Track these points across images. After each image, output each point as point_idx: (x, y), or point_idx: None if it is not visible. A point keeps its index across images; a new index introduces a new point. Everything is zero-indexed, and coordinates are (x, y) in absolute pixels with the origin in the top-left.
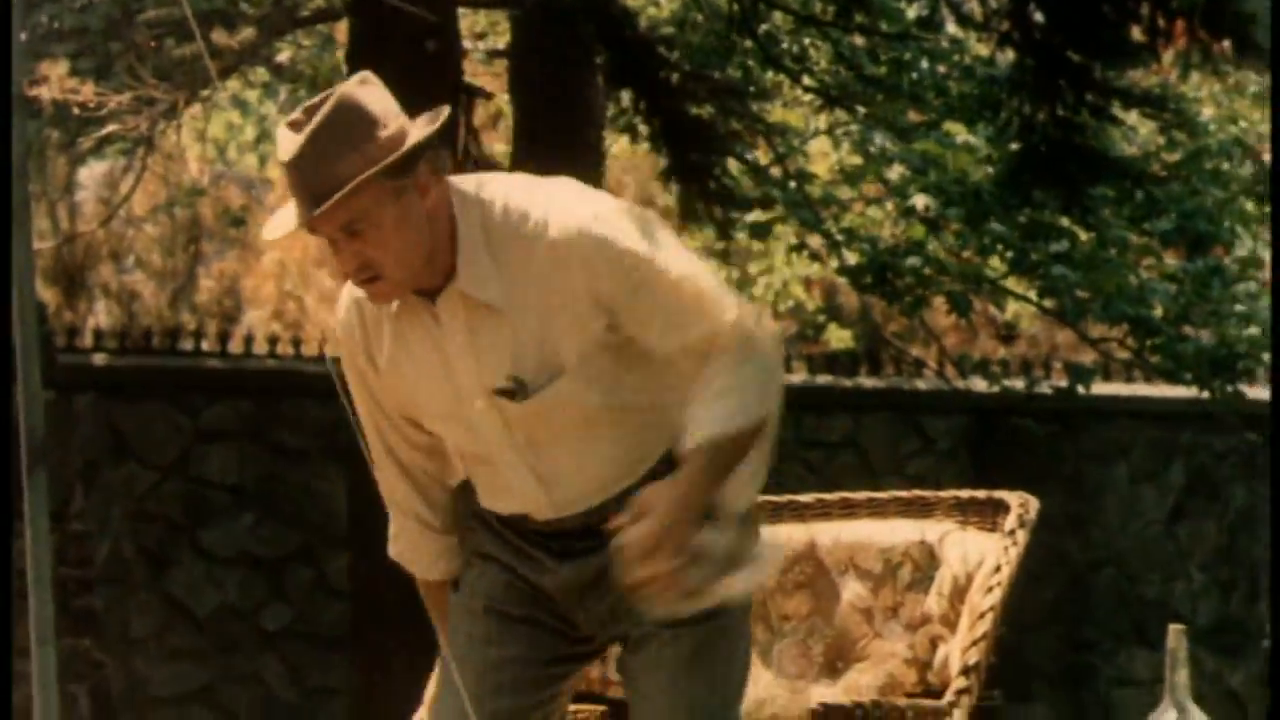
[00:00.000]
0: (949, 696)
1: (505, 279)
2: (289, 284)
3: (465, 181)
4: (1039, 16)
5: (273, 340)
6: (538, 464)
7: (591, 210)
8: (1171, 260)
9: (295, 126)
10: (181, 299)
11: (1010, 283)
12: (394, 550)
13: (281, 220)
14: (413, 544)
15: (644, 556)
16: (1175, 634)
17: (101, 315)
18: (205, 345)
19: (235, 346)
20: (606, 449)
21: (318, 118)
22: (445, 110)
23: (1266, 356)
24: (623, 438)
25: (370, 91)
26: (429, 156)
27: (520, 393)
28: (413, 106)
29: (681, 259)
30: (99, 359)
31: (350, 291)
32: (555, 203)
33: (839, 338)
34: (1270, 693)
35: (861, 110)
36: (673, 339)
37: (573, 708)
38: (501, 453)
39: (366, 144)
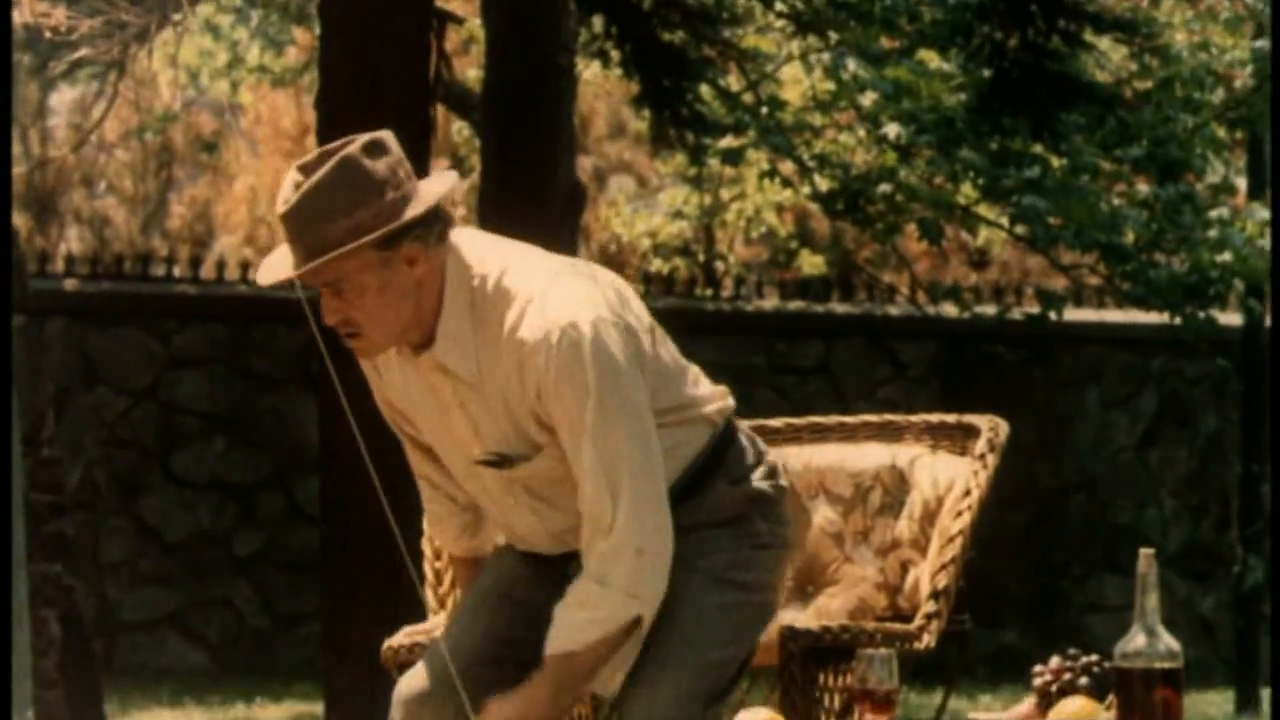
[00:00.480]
0: (918, 620)
1: (483, 355)
2: (261, 209)
3: (469, 245)
4: None
5: (245, 266)
6: (537, 507)
7: (574, 321)
8: (1143, 187)
9: (303, 171)
10: (153, 224)
11: (982, 209)
12: (427, 523)
13: (273, 265)
14: (438, 518)
15: None
16: (1145, 558)
17: (73, 241)
18: (177, 271)
19: (207, 272)
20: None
21: (318, 175)
22: (452, 179)
23: (1238, 282)
24: None
25: (377, 157)
26: (420, 233)
27: (505, 463)
28: (385, 34)
29: (626, 429)
30: (70, 284)
31: None
32: (545, 299)
33: (811, 263)
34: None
35: (833, 36)
36: (580, 493)
37: None
38: (503, 498)
39: (359, 210)
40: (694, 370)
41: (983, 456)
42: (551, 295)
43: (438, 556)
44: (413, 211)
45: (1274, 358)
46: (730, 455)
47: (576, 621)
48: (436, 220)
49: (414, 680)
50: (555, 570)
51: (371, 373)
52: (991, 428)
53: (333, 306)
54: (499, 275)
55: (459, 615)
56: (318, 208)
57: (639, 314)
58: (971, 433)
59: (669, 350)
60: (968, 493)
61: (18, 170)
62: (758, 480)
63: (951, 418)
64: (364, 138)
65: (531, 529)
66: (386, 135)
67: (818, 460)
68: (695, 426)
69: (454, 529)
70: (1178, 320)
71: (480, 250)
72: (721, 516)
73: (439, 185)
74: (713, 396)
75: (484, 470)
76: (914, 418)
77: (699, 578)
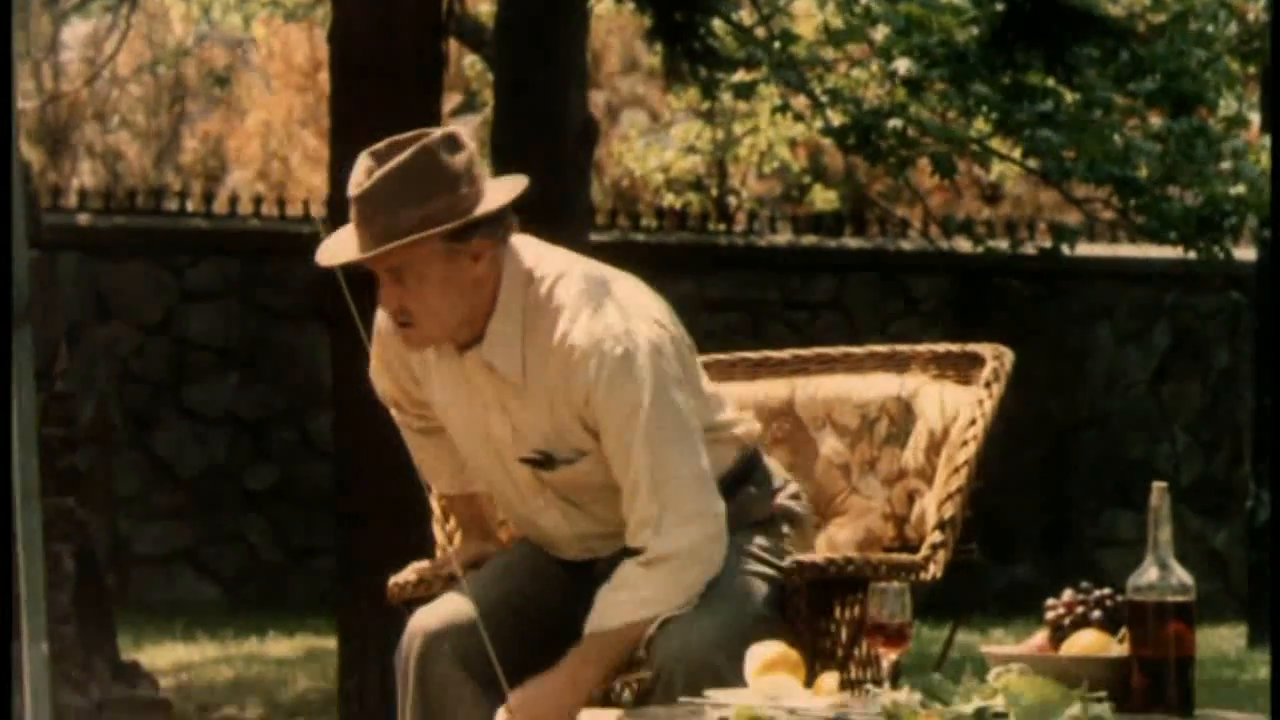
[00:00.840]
0: (924, 550)
1: (531, 358)
2: (274, 144)
3: (526, 250)
4: None
5: (257, 200)
6: (568, 510)
7: (628, 330)
8: (1156, 120)
9: (375, 158)
10: (166, 159)
11: (995, 143)
12: (419, 466)
13: (336, 248)
14: (430, 467)
15: None
16: (1158, 491)
17: (86, 175)
18: (190, 205)
19: (220, 207)
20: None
21: (394, 162)
22: (521, 184)
23: (1251, 216)
24: None
25: (454, 152)
26: (487, 231)
27: (548, 464)
28: None
29: (676, 437)
30: (83, 219)
31: None
32: (599, 308)
33: (824, 198)
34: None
35: None
36: (627, 499)
37: None
38: (533, 499)
39: (432, 202)
40: (721, 392)
41: (988, 385)
42: (605, 305)
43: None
44: (484, 208)
45: (1274, 293)
46: (757, 474)
47: (620, 602)
48: (503, 220)
49: (434, 611)
50: (579, 573)
51: (380, 358)
52: (997, 356)
53: (392, 294)
54: (554, 281)
55: (486, 569)
56: (391, 194)
57: (683, 331)
58: (977, 362)
59: (701, 372)
60: (973, 422)
61: (31, 105)
62: (784, 498)
63: (957, 347)
64: (441, 131)
65: (557, 530)
66: (461, 131)
67: (824, 391)
68: (726, 447)
69: (447, 472)
70: (1191, 254)
71: (536, 256)
72: (752, 519)
73: (508, 187)
74: (740, 419)
75: (519, 470)
76: (920, 347)
77: (734, 552)
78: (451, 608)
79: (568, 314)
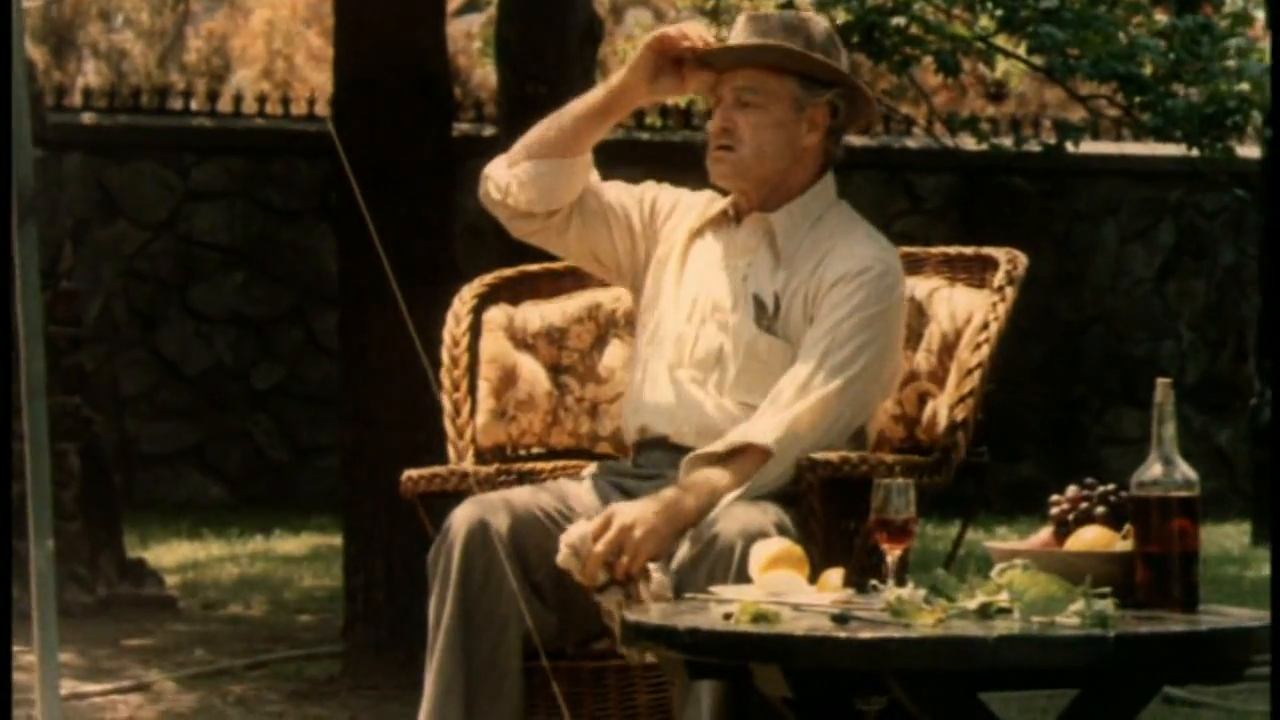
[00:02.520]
0: (936, 453)
1: (805, 246)
2: (278, 43)
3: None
4: None
5: (261, 99)
6: (708, 387)
7: (898, 271)
8: (1161, 18)
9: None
10: (170, 58)
11: (1000, 40)
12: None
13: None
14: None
15: (614, 541)
16: (1163, 387)
17: (90, 74)
18: (194, 104)
19: (224, 105)
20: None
21: (802, 13)
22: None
23: (1256, 114)
24: None
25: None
26: (836, 107)
27: (764, 317)
28: None
29: (866, 358)
30: (88, 118)
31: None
32: (891, 252)
33: None
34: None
35: None
36: (791, 370)
37: None
38: (690, 368)
39: (815, 48)
40: None
41: (1001, 289)
42: (897, 259)
43: (456, 387)
44: (851, 79)
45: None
46: None
47: (757, 422)
48: (845, 121)
49: (479, 502)
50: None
51: (645, 209)
52: (1010, 260)
53: (727, 114)
54: (852, 213)
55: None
56: (789, 27)
57: None
58: (989, 265)
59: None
60: (985, 325)
61: (35, 4)
62: None
63: (970, 250)
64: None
65: (678, 405)
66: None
67: None
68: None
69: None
70: (1195, 152)
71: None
72: None
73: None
74: None
75: (709, 326)
76: (932, 250)
77: None
78: (494, 501)
79: (862, 230)
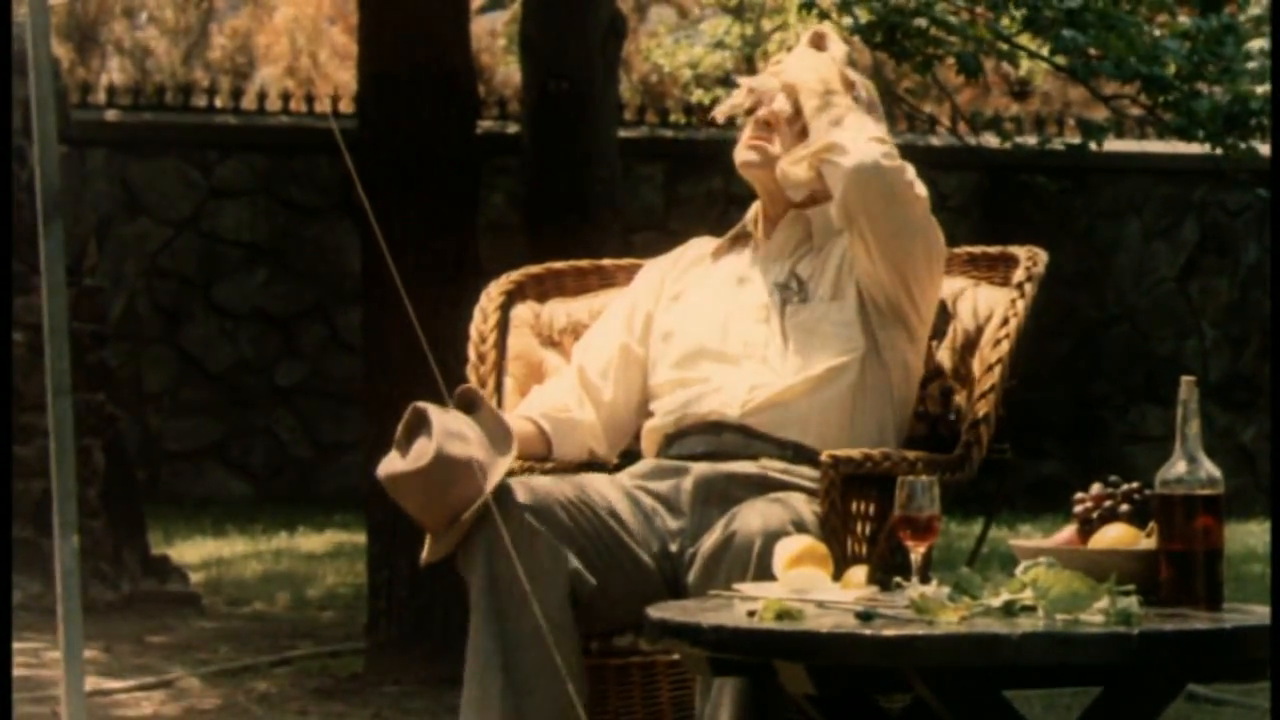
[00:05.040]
0: (959, 449)
1: (839, 240)
2: (301, 40)
3: None
4: None
5: (285, 96)
6: (762, 363)
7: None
8: (1185, 19)
9: None
10: (194, 55)
11: (1023, 39)
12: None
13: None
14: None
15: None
16: (1187, 385)
17: (115, 71)
18: (218, 102)
19: (248, 103)
20: (829, 393)
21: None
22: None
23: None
24: (846, 401)
25: None
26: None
27: (794, 296)
28: None
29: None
30: (112, 115)
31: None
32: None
33: None
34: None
35: None
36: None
37: None
38: (742, 340)
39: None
40: None
41: (1020, 286)
42: None
43: (482, 384)
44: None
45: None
46: None
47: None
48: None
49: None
50: (653, 514)
51: (646, 298)
52: (1030, 257)
53: (771, 114)
54: None
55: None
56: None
57: None
58: (1010, 262)
59: None
60: (1005, 322)
61: (60, 1)
62: None
63: (994, 249)
64: None
65: (727, 382)
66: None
67: None
68: None
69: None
70: (1219, 151)
71: None
72: None
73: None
74: None
75: (744, 324)
76: (956, 250)
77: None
78: (516, 486)
79: None
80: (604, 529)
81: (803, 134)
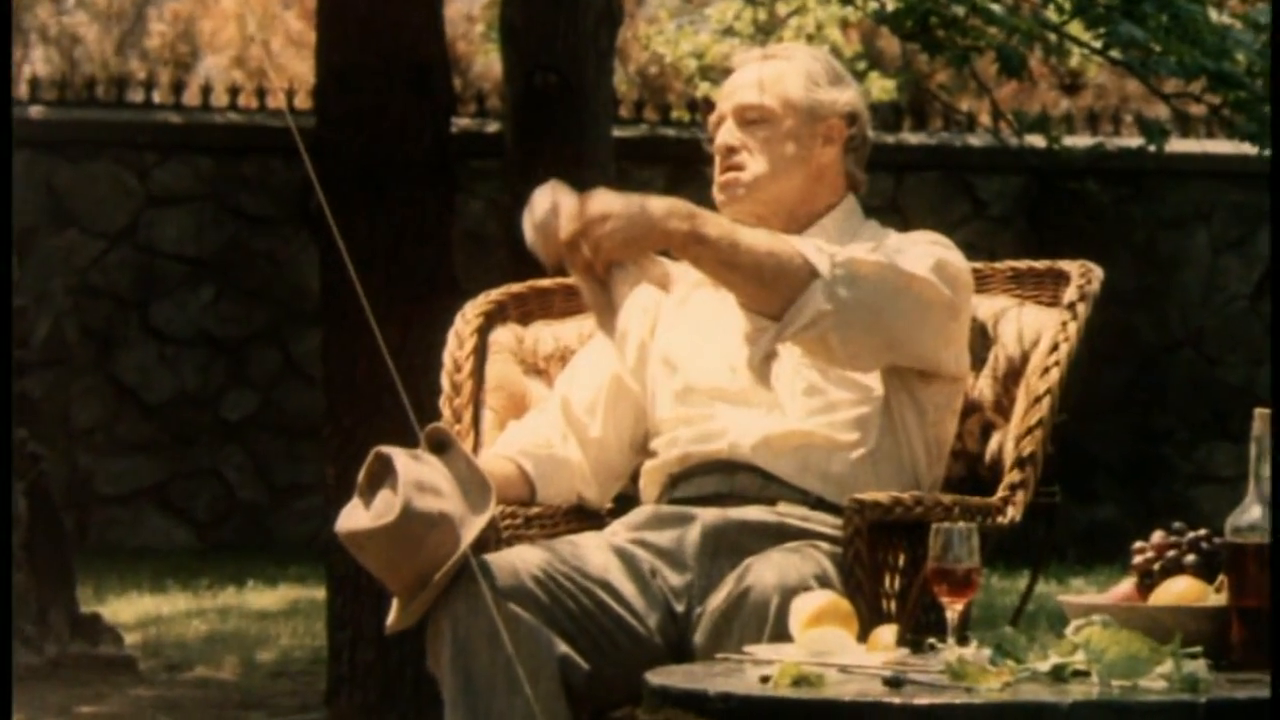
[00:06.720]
0: (1001, 492)
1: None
2: (252, 27)
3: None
4: None
5: (234, 91)
6: (777, 395)
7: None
8: (1261, 4)
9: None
10: (129, 44)
11: (1074, 28)
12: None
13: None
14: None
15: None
16: (1261, 419)
17: (39, 63)
18: (157, 96)
19: (191, 98)
20: (852, 436)
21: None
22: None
23: None
24: (850, 436)
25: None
26: (851, 118)
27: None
28: None
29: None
30: (36, 112)
31: None
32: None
33: (881, 88)
34: None
35: None
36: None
37: None
38: (752, 379)
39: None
40: None
41: (1072, 306)
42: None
43: (457, 418)
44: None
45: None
46: None
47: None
48: (865, 137)
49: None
50: (651, 572)
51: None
52: (1083, 273)
53: (732, 134)
54: (886, 230)
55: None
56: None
57: None
58: (1061, 279)
59: None
60: (1055, 347)
61: None
62: None
63: (1041, 264)
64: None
65: (747, 422)
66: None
67: None
68: None
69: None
70: None
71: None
72: None
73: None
74: None
75: (749, 359)
76: (998, 265)
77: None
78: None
79: (895, 237)
80: (595, 605)
81: (776, 139)
